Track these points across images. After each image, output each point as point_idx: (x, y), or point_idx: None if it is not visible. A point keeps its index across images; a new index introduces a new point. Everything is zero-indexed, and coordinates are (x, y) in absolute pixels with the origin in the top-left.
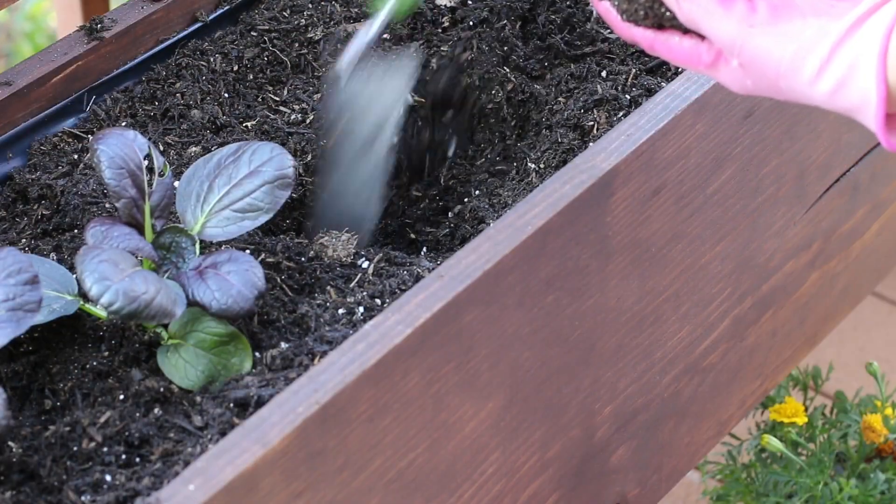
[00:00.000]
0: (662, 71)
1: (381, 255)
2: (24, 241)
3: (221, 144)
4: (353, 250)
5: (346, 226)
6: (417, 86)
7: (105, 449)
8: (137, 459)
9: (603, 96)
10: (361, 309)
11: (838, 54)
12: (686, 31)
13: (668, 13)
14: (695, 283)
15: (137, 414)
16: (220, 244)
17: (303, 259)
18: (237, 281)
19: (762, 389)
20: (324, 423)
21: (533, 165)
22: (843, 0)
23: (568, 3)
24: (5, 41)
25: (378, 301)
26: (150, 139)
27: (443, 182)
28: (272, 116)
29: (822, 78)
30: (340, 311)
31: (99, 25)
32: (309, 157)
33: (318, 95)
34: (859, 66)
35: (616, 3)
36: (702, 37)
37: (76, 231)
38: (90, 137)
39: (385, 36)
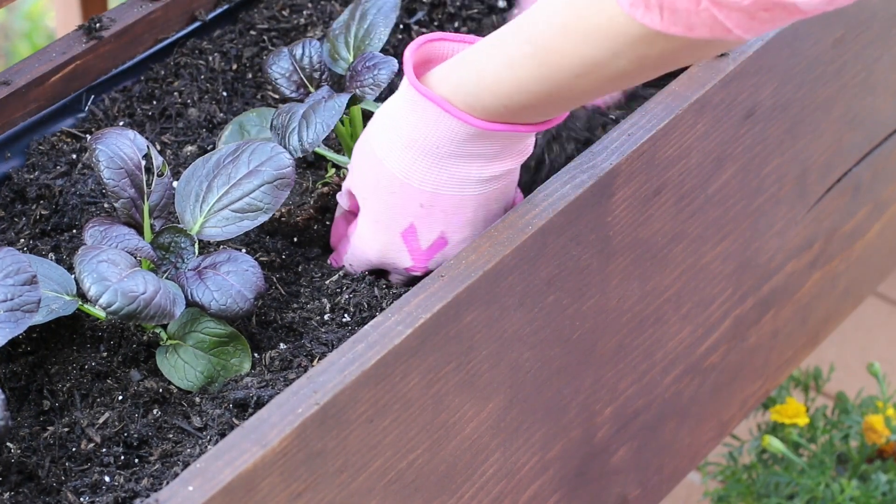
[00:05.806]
0: None
1: None
2: (22, 241)
3: None
4: None
5: None
6: None
7: (104, 450)
8: (136, 460)
9: None
10: (361, 309)
11: None
12: None
13: None
14: (696, 283)
15: (136, 415)
16: (219, 244)
17: (303, 259)
18: (236, 281)
19: (763, 390)
20: (323, 424)
21: None
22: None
23: None
24: (3, 40)
25: (377, 302)
26: (148, 139)
27: None
28: None
29: None
30: (340, 311)
31: (97, 25)
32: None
33: None
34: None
35: None
36: None
37: (75, 231)
38: (89, 137)
39: None
